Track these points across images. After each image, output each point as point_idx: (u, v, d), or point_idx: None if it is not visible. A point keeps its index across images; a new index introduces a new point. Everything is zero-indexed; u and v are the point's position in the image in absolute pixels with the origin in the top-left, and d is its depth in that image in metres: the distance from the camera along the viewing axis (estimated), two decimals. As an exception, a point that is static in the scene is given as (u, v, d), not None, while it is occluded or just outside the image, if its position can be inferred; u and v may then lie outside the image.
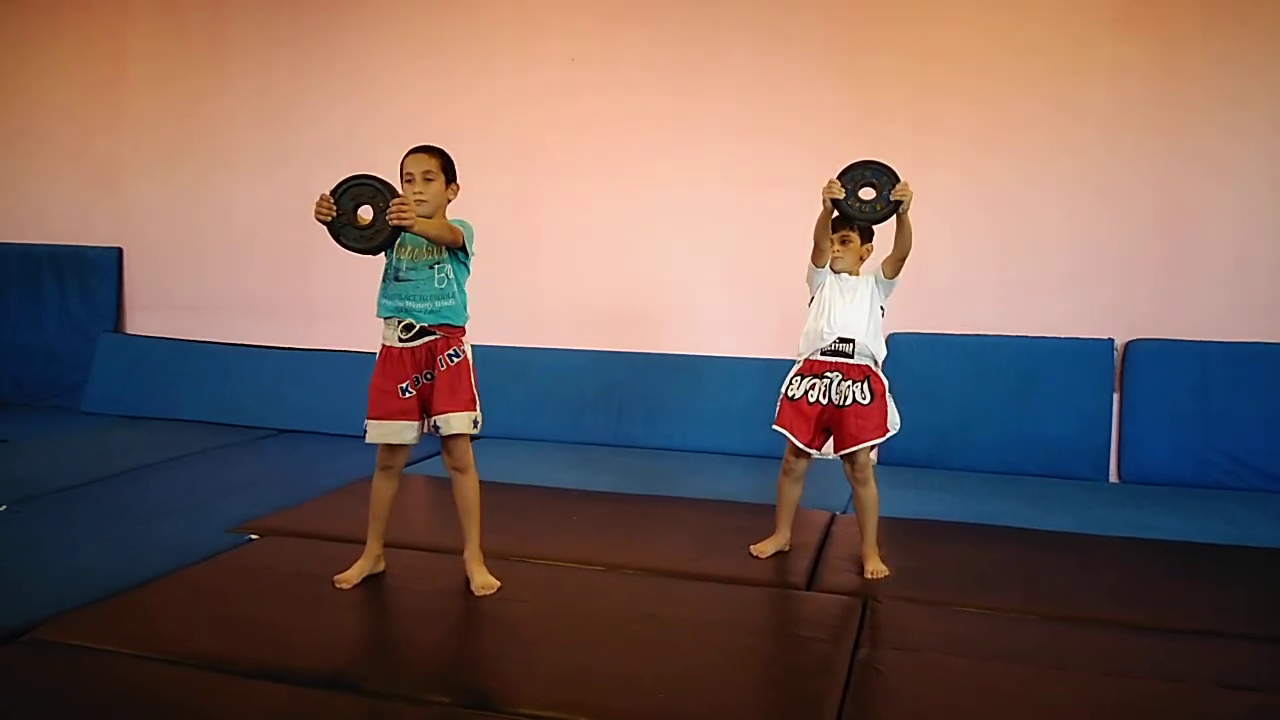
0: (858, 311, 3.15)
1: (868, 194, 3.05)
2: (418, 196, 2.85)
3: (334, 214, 2.75)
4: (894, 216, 3.06)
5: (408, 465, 3.20)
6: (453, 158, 2.98)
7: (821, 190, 3.06)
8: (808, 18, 4.85)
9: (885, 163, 3.05)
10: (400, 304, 2.90)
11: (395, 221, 2.69)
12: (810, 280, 3.25)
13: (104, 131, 6.06)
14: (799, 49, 4.86)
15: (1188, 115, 4.48)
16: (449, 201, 2.98)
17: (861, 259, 3.24)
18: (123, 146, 6.03)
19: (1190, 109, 4.47)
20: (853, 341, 3.13)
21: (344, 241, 2.79)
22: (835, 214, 3.10)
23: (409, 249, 2.90)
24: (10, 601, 2.81)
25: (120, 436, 5.18)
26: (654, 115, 5.10)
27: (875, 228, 3.20)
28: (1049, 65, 4.59)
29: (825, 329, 3.15)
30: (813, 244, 3.18)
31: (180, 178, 5.93)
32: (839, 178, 3.06)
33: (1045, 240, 4.66)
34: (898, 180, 3.02)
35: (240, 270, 5.85)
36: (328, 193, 2.76)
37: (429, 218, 2.85)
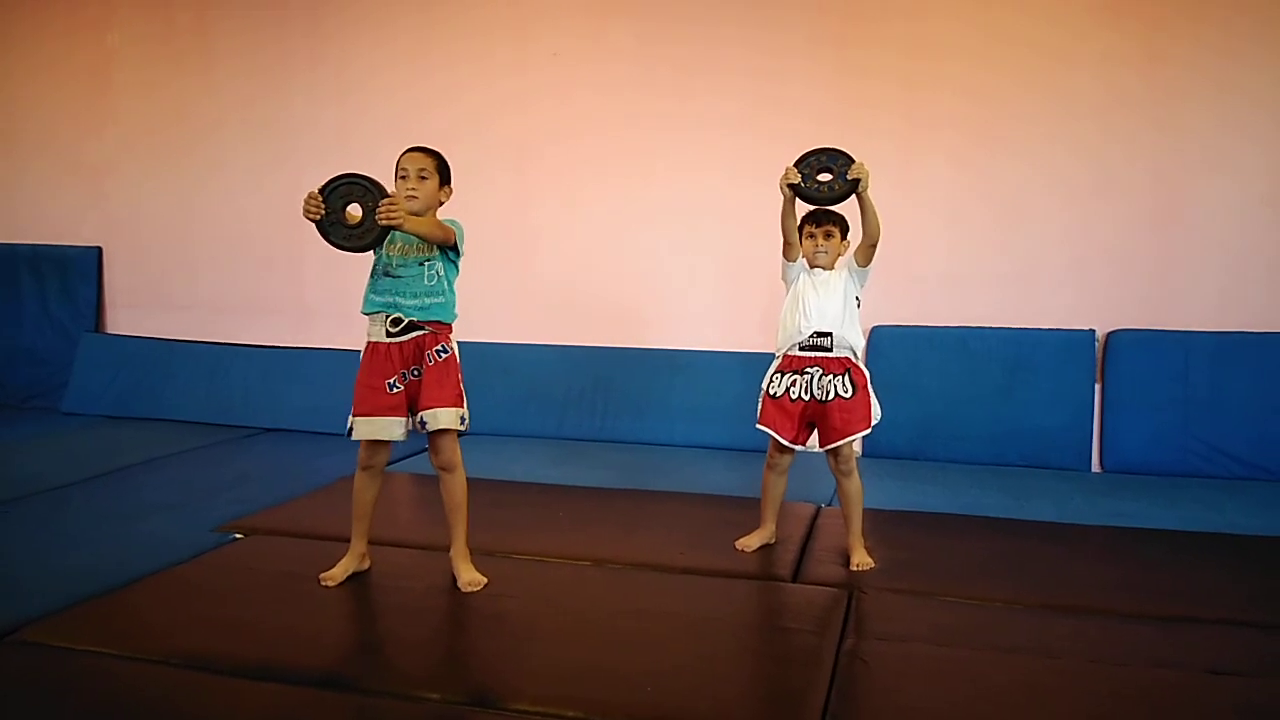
0: (832, 304, 3.15)
1: (825, 178, 3.09)
2: (410, 193, 2.85)
3: (322, 212, 2.75)
4: (855, 198, 3.07)
5: (392, 463, 3.20)
6: (447, 160, 3.00)
7: (779, 181, 3.10)
8: (796, 11, 4.85)
9: (839, 148, 3.09)
10: (390, 299, 2.90)
11: (384, 221, 2.69)
12: (785, 276, 3.26)
13: (84, 131, 6.02)
14: (787, 43, 4.86)
15: (1179, 104, 4.50)
16: (441, 203, 2.99)
17: (840, 254, 3.24)
18: (102, 146, 5.99)
19: (1181, 98, 4.49)
20: (830, 335, 3.13)
21: (333, 240, 2.79)
22: (796, 201, 3.13)
23: (399, 245, 2.90)
24: (-6, 603, 2.80)
25: (103, 436, 5.16)
26: (641, 113, 5.09)
27: (852, 224, 3.21)
28: (1039, 56, 4.60)
29: (802, 323, 3.15)
30: (782, 239, 3.19)
31: (160, 177, 5.90)
32: (794, 166, 3.10)
33: (1035, 232, 4.68)
34: (852, 161, 3.05)
35: (222, 269, 5.83)
36: (316, 190, 2.76)
37: (419, 215, 2.84)
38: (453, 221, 2.93)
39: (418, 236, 2.86)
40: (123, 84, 5.93)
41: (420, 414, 2.91)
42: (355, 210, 2.76)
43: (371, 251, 2.90)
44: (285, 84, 5.64)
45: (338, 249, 2.80)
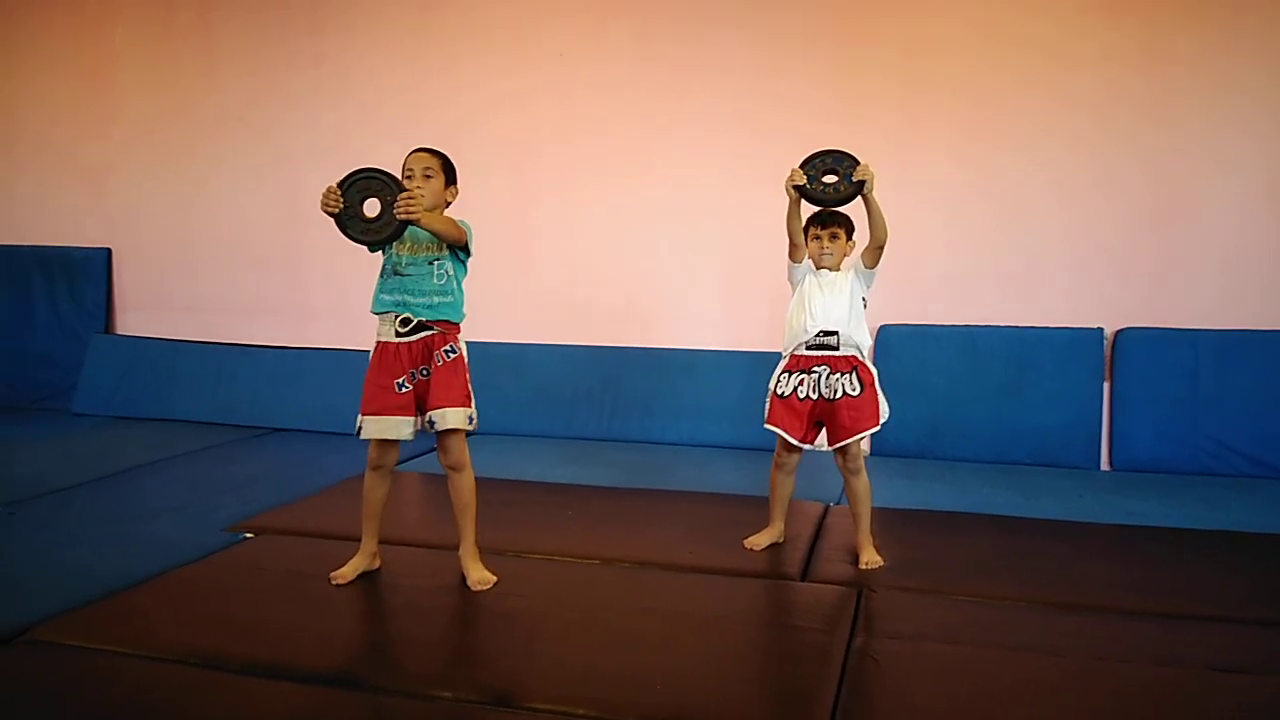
0: (838, 303, 3.15)
1: (830, 180, 3.10)
2: (416, 192, 2.86)
3: (341, 206, 2.76)
4: (861, 200, 3.08)
5: (401, 463, 3.20)
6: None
7: (784, 183, 3.10)
8: (795, 10, 4.85)
9: (844, 150, 3.09)
10: (399, 298, 2.91)
11: (403, 216, 2.71)
12: (791, 277, 3.26)
13: (92, 133, 6.05)
14: (787, 41, 4.87)
15: (1179, 101, 4.50)
16: (448, 203, 3.01)
17: (845, 255, 3.25)
18: (111, 148, 6.02)
19: (1182, 95, 4.49)
20: (836, 333, 3.14)
21: (350, 234, 2.80)
22: (802, 203, 3.14)
23: (408, 244, 2.92)
24: (5, 603, 2.81)
25: (113, 437, 5.17)
26: (644, 113, 5.11)
27: (857, 224, 3.22)
28: (1038, 54, 4.61)
29: (808, 323, 3.15)
30: (788, 240, 3.20)
31: (169, 178, 5.92)
32: (800, 167, 3.11)
33: (1037, 230, 4.68)
34: (858, 163, 3.06)
35: (231, 270, 5.85)
36: (335, 185, 2.77)
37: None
38: (462, 221, 2.94)
39: (433, 233, 2.87)
40: (126, 85, 5.96)
41: (429, 414, 2.92)
42: (372, 205, 2.78)
43: (381, 251, 2.91)
44: (288, 84, 5.66)
45: (355, 243, 2.82)
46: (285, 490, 4.08)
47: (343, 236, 2.83)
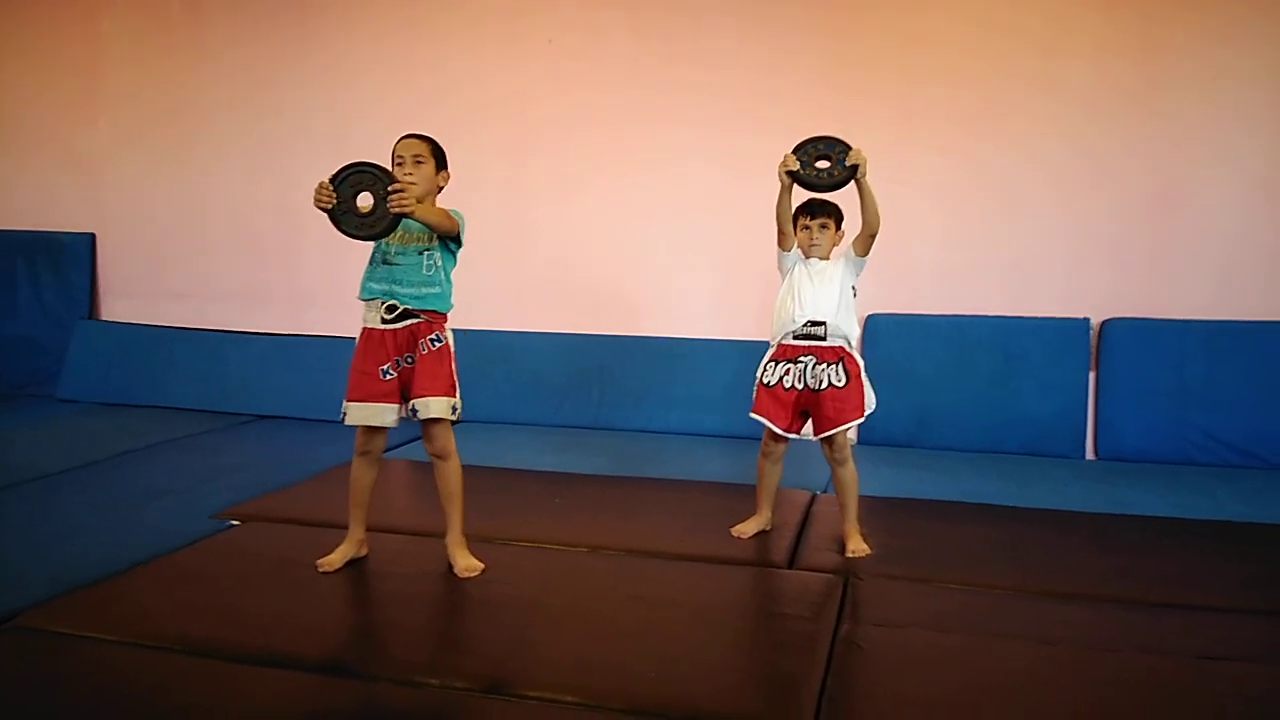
0: (827, 293, 3.15)
1: (823, 165, 3.09)
2: (408, 178, 2.85)
3: (334, 201, 2.75)
4: (854, 184, 3.07)
5: (390, 449, 3.20)
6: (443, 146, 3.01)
7: (777, 168, 3.10)
8: (789, 3, 4.84)
9: (836, 136, 3.09)
10: (387, 287, 2.90)
11: (396, 209, 2.70)
12: (780, 266, 3.26)
13: (76, 117, 5.99)
14: (781, 33, 4.85)
15: (1173, 93, 4.50)
16: (440, 189, 3.00)
17: (834, 245, 3.25)
18: (96, 133, 5.97)
19: (1176, 86, 4.49)
20: (824, 324, 3.14)
21: (345, 229, 2.78)
22: (794, 188, 3.13)
23: (399, 234, 2.91)
24: (-9, 590, 2.80)
25: (99, 423, 5.14)
26: (636, 104, 5.08)
27: (847, 213, 3.22)
28: (1033, 46, 4.60)
29: (796, 312, 3.15)
30: (777, 228, 3.19)
31: (153, 164, 5.87)
32: (793, 153, 3.10)
33: (1031, 221, 4.68)
34: (850, 148, 3.05)
35: (216, 257, 5.81)
36: (327, 180, 2.75)
37: (419, 201, 2.85)
38: (455, 211, 2.93)
39: (426, 225, 2.86)
40: (115, 71, 5.90)
41: (412, 401, 2.92)
42: (365, 199, 2.76)
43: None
44: (279, 72, 5.62)
45: (350, 238, 2.80)
46: (273, 477, 4.06)
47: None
